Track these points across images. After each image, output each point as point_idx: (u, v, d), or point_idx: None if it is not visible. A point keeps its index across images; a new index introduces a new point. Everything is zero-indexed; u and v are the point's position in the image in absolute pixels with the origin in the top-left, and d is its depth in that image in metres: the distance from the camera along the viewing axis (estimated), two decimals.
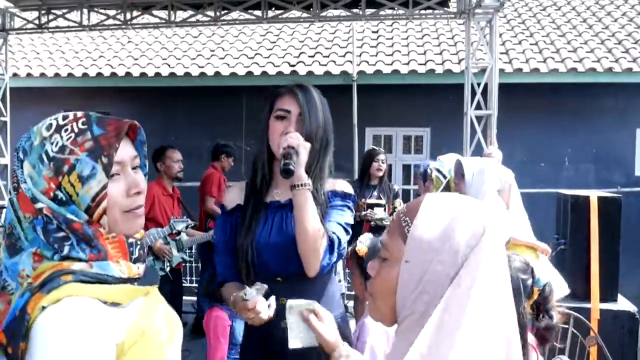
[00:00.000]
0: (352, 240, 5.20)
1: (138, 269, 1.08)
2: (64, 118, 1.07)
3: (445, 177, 3.64)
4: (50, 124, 1.06)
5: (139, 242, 1.11)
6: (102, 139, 1.03)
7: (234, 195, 1.92)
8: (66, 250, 1.00)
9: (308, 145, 1.75)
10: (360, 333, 2.32)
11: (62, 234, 1.00)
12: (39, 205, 1.00)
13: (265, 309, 1.60)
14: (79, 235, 1.00)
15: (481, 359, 0.82)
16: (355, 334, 2.37)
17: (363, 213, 5.03)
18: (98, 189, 1.02)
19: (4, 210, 7.57)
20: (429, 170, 3.84)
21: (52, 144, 1.02)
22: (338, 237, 1.79)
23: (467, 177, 2.94)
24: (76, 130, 1.04)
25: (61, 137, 1.03)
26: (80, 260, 1.00)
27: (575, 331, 3.68)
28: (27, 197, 1.01)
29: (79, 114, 1.08)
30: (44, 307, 0.93)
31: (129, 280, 1.05)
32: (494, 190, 2.97)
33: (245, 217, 1.82)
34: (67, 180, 1.01)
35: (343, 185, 1.94)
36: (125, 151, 1.08)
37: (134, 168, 1.10)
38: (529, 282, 1.58)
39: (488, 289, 0.85)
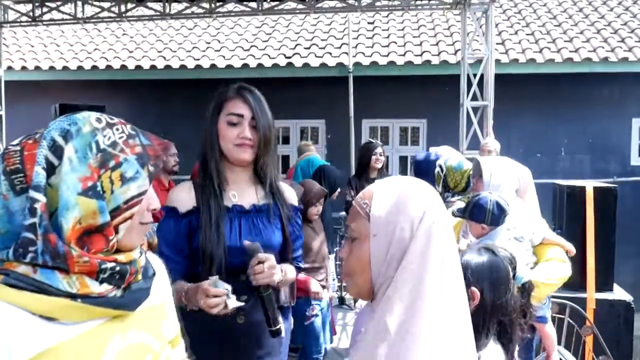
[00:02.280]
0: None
1: (98, 287, 0.98)
2: (111, 118, 1.04)
3: (442, 170, 3.63)
4: (99, 118, 1.02)
5: (122, 267, 1.02)
6: (150, 149, 1.04)
7: (183, 197, 1.89)
8: (29, 257, 0.93)
9: (278, 275, 1.79)
10: (359, 321, 2.34)
11: (31, 235, 0.93)
12: (36, 195, 0.93)
13: (233, 299, 1.67)
14: (49, 247, 0.93)
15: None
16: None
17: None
18: (135, 193, 1.01)
19: None
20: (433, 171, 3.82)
21: (104, 136, 1.00)
22: (300, 261, 2.07)
23: (485, 177, 2.89)
24: (127, 132, 1.03)
25: (114, 133, 1.01)
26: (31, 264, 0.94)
27: (571, 321, 3.70)
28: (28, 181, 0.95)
29: (122, 120, 1.07)
30: None
31: (79, 297, 0.95)
32: (512, 190, 2.95)
33: (209, 220, 1.81)
34: (109, 176, 0.98)
35: (294, 197, 2.05)
36: None
37: None
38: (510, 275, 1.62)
39: (440, 246, 1.02)
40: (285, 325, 1.90)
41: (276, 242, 1.90)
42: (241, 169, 1.91)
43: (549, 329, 2.97)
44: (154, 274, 1.14)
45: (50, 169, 0.95)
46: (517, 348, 1.52)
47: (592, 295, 4.21)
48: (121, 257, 1.01)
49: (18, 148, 0.98)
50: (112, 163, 0.98)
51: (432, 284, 0.98)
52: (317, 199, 3.63)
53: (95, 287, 0.97)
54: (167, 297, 1.22)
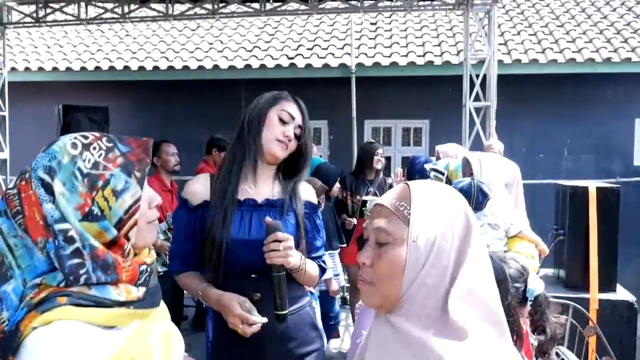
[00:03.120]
0: (348, 238, 5.16)
1: (138, 292, 1.08)
2: (85, 137, 1.08)
3: (442, 173, 3.63)
4: (74, 143, 1.06)
5: (149, 268, 1.12)
6: (131, 155, 1.08)
7: (197, 189, 1.91)
8: (82, 279, 1.00)
9: (294, 259, 1.78)
10: (360, 322, 2.33)
11: (77, 260, 1.00)
12: (64, 226, 0.99)
13: (258, 317, 1.73)
14: (99, 262, 1.01)
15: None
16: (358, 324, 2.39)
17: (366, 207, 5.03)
18: (132, 201, 1.06)
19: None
20: (427, 173, 3.83)
21: (84, 160, 1.04)
22: (324, 262, 2.02)
23: (475, 173, 2.94)
24: (104, 147, 1.07)
25: (92, 154, 1.05)
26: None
27: (574, 321, 3.69)
28: (39, 219, 1.01)
29: (96, 134, 1.10)
30: (34, 328, 0.96)
31: (126, 304, 1.06)
32: (501, 184, 2.97)
33: (218, 210, 1.82)
34: (101, 195, 1.03)
35: (312, 194, 2.04)
36: None
37: None
38: (521, 289, 1.59)
39: (483, 258, 1.01)
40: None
41: (290, 233, 1.86)
42: (266, 166, 1.93)
43: None
44: (158, 272, 1.22)
45: (55, 205, 1.02)
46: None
47: (595, 295, 4.21)
48: (148, 260, 1.11)
49: (15, 191, 1.04)
50: (100, 183, 1.03)
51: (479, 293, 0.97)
52: (318, 194, 3.69)
53: (135, 292, 1.07)
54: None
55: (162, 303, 1.24)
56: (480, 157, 3.04)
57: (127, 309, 1.05)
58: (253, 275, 1.80)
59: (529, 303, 1.62)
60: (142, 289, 1.09)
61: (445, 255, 0.97)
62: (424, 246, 0.97)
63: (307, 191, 2.00)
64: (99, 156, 1.05)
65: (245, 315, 1.71)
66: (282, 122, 1.90)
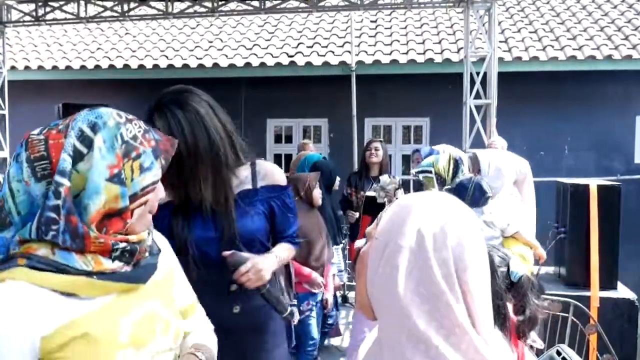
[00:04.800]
0: (354, 233, 5.15)
1: (111, 264, 1.08)
2: (127, 114, 1.15)
3: (430, 172, 3.61)
4: (119, 114, 1.13)
5: (134, 245, 1.12)
6: (161, 144, 1.16)
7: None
8: (50, 235, 1.02)
9: (268, 274, 1.80)
10: (360, 320, 2.35)
11: (53, 215, 1.02)
12: (62, 180, 1.02)
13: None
14: (70, 227, 1.02)
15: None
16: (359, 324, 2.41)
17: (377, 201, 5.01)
18: (150, 181, 1.12)
19: None
20: (419, 177, 3.81)
21: (127, 130, 1.11)
22: (295, 235, 2.04)
23: (484, 170, 2.92)
24: (143, 127, 1.15)
25: (133, 127, 1.12)
26: (50, 244, 1.03)
27: (575, 319, 3.69)
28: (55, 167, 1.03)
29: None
30: None
31: (95, 274, 1.06)
32: (510, 182, 2.96)
33: (178, 214, 1.84)
34: (130, 165, 1.09)
35: (279, 175, 2.00)
36: None
37: None
38: (504, 273, 1.61)
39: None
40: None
41: (256, 228, 1.89)
42: None
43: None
44: (159, 251, 1.25)
45: (78, 157, 1.04)
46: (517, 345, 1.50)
47: (596, 293, 4.21)
48: (133, 237, 1.12)
49: (42, 137, 1.06)
50: (133, 154, 1.09)
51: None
52: (314, 180, 3.73)
53: (108, 264, 1.08)
54: (174, 266, 1.35)
55: (163, 284, 1.23)
56: (488, 154, 3.03)
57: (89, 278, 1.05)
58: (233, 287, 1.83)
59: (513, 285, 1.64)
60: (118, 263, 1.09)
61: (395, 256, 0.94)
62: (381, 246, 0.96)
63: (269, 174, 1.97)
64: (138, 132, 1.13)
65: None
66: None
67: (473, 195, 2.70)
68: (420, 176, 3.66)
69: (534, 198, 3.25)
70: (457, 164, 3.47)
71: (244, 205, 1.88)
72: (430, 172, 3.58)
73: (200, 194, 1.79)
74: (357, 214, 5.13)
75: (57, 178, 1.02)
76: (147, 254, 1.18)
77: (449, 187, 3.15)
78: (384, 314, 0.97)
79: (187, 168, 1.78)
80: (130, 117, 1.15)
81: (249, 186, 1.91)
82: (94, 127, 1.07)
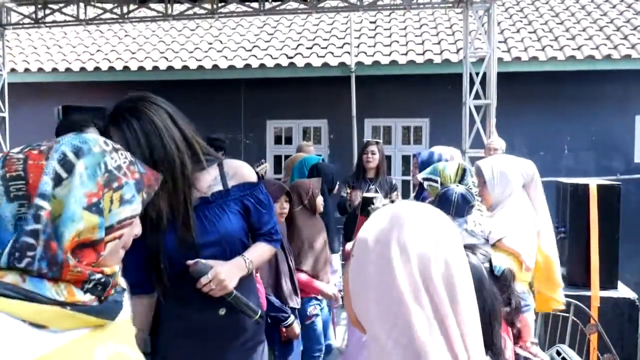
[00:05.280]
0: (350, 236, 5.15)
1: (83, 297, 1.02)
2: (114, 143, 1.11)
3: (436, 181, 3.59)
4: (106, 142, 1.09)
5: (107, 279, 1.07)
6: (145, 178, 1.12)
7: None
8: (24, 262, 0.95)
9: (232, 282, 1.82)
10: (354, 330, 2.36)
11: (31, 240, 0.96)
12: (43, 203, 0.97)
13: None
14: (48, 254, 0.96)
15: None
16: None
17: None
18: (129, 215, 1.07)
19: None
20: (423, 185, 3.79)
21: (111, 159, 1.07)
22: (275, 231, 2.06)
23: (488, 181, 2.87)
24: (129, 158, 1.11)
25: (119, 157, 1.08)
26: (20, 271, 0.96)
27: (575, 319, 3.70)
28: (36, 187, 0.98)
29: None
30: None
31: (67, 305, 0.99)
32: (519, 187, 2.92)
33: (151, 221, 1.81)
34: (110, 196, 1.04)
35: (248, 173, 1.99)
36: None
37: None
38: (487, 269, 1.65)
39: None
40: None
41: (234, 228, 1.89)
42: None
43: (528, 317, 2.92)
44: (124, 290, 1.18)
45: (57, 181, 0.99)
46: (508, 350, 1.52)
47: (596, 293, 4.21)
48: (107, 270, 1.06)
49: (21, 156, 1.01)
50: (115, 184, 1.05)
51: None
52: (317, 187, 3.69)
53: (80, 296, 1.01)
54: (130, 314, 1.26)
55: (129, 326, 1.18)
56: (489, 161, 2.98)
57: (62, 309, 0.99)
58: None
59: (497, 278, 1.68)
60: (90, 296, 1.03)
61: (367, 274, 0.97)
62: (357, 263, 1.00)
63: (238, 173, 1.97)
64: (123, 162, 1.08)
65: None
66: None
67: (456, 206, 2.70)
68: (425, 184, 3.64)
69: (544, 199, 3.15)
70: (464, 174, 3.44)
71: (218, 206, 1.88)
72: (436, 181, 3.56)
73: (157, 206, 1.75)
74: (359, 193, 5.03)
75: (38, 201, 0.97)
76: (114, 290, 1.11)
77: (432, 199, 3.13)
78: (367, 326, 0.99)
79: None
80: (117, 146, 1.11)
81: (220, 187, 1.90)
82: (77, 152, 1.03)
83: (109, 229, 1.04)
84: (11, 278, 0.96)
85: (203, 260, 1.80)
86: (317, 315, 3.68)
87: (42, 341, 0.97)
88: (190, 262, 1.78)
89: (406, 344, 0.91)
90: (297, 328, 3.07)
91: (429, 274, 0.94)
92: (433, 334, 0.92)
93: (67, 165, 1.00)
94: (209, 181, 1.89)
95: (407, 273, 0.94)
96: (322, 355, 3.84)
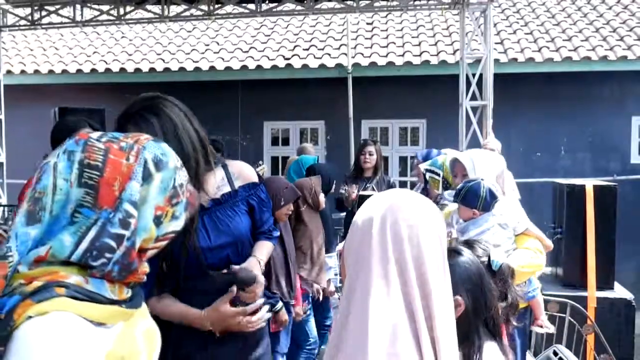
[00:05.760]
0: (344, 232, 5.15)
1: (127, 293, 1.09)
2: (179, 160, 1.16)
3: (438, 174, 3.62)
4: (177, 157, 1.14)
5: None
6: (191, 196, 1.16)
7: None
8: (100, 262, 0.99)
9: (261, 288, 1.87)
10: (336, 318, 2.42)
11: (112, 243, 1.00)
12: (132, 211, 1.01)
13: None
14: (126, 261, 1.02)
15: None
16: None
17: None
18: (172, 230, 1.11)
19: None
20: (424, 175, 3.82)
21: (179, 176, 1.12)
22: (273, 228, 2.11)
23: (470, 174, 2.90)
24: (186, 177, 1.15)
25: (184, 175, 1.14)
26: (81, 269, 0.99)
27: (572, 320, 3.70)
28: (117, 189, 1.00)
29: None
30: (30, 317, 0.93)
31: (117, 302, 1.05)
32: (493, 177, 2.95)
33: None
34: (167, 210, 1.08)
35: (250, 173, 2.03)
36: None
37: None
38: (485, 263, 1.67)
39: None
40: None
41: (245, 228, 1.93)
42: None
43: (538, 298, 2.99)
44: None
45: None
46: (505, 333, 1.55)
47: (593, 293, 4.22)
48: (147, 270, 1.13)
49: (103, 146, 1.04)
50: (174, 200, 1.09)
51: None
52: (318, 185, 3.77)
53: (125, 294, 1.08)
54: None
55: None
56: (471, 156, 3.02)
57: (119, 307, 1.05)
58: (211, 273, 1.85)
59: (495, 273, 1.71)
60: (130, 291, 1.10)
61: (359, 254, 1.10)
62: (349, 244, 1.15)
63: (243, 173, 2.00)
64: (185, 180, 1.13)
65: (242, 309, 1.77)
66: None
67: (485, 200, 2.68)
68: (427, 175, 3.67)
69: (517, 191, 3.25)
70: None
71: (230, 207, 1.90)
72: (439, 174, 3.58)
73: None
74: (355, 190, 5.02)
75: (128, 207, 1.01)
76: None
77: (453, 191, 3.13)
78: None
79: None
80: (181, 162, 1.15)
81: (228, 188, 1.93)
82: (158, 164, 1.07)
83: (155, 240, 1.08)
84: (75, 279, 0.99)
85: (244, 266, 1.82)
86: (311, 309, 3.75)
87: (105, 338, 1.02)
88: (235, 267, 1.80)
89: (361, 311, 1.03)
90: (285, 314, 3.13)
91: (403, 253, 1.05)
92: (396, 311, 1.02)
93: (146, 174, 1.04)
94: (215, 182, 1.91)
95: (382, 249, 1.06)
96: (318, 349, 3.89)
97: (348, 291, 1.09)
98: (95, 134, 1.07)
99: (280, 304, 3.10)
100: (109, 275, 1.01)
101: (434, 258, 1.06)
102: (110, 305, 1.03)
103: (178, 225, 1.11)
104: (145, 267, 1.13)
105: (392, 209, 1.09)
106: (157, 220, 1.06)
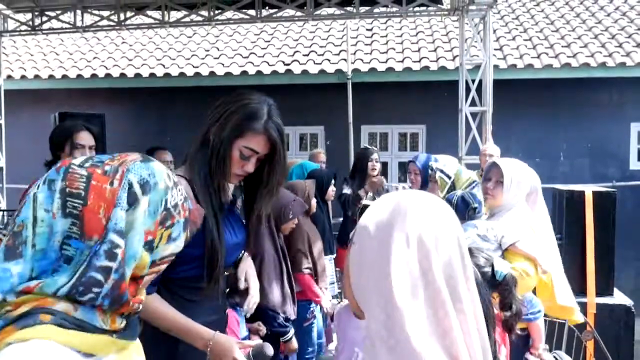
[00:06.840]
0: (342, 237, 5.16)
1: (121, 323, 1.02)
2: (174, 176, 1.08)
3: (449, 177, 3.59)
4: (168, 175, 1.05)
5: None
6: (192, 215, 1.09)
7: None
8: (87, 297, 0.93)
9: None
10: (339, 322, 2.43)
11: (99, 277, 0.93)
12: (118, 241, 0.94)
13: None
14: (115, 293, 0.95)
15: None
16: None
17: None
18: (170, 253, 1.05)
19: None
20: (430, 171, 3.75)
21: (172, 196, 1.03)
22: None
23: (506, 182, 2.82)
24: (183, 195, 1.07)
25: (177, 195, 1.05)
26: (71, 299, 0.94)
27: (571, 326, 3.69)
28: (102, 217, 0.95)
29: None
30: (9, 343, 0.89)
31: (108, 332, 0.99)
32: (525, 195, 2.90)
33: (214, 220, 1.81)
34: (161, 233, 1.01)
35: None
36: None
37: None
38: (489, 273, 1.66)
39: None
40: None
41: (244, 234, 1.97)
42: None
43: (538, 323, 2.89)
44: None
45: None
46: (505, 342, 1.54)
47: (592, 300, 4.21)
48: (142, 298, 1.06)
49: (84, 173, 0.97)
50: (168, 222, 1.02)
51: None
52: (312, 188, 3.80)
53: (119, 323, 1.01)
54: None
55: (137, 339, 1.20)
56: (512, 164, 2.91)
57: (109, 337, 0.99)
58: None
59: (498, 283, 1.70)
60: (124, 321, 1.04)
61: (370, 259, 0.97)
62: (358, 249, 1.00)
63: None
64: (180, 200, 1.05)
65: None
66: (244, 157, 1.83)
67: (456, 209, 2.70)
68: (437, 174, 3.62)
69: (545, 208, 3.10)
70: (471, 186, 3.45)
71: (237, 208, 1.98)
72: (450, 177, 3.57)
73: (259, 203, 1.88)
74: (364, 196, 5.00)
75: (113, 237, 0.94)
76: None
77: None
78: (366, 314, 0.97)
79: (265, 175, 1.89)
80: (176, 180, 1.07)
81: (230, 195, 1.96)
82: (144, 186, 0.99)
83: (151, 265, 1.02)
84: (63, 306, 0.94)
85: (259, 342, 1.80)
86: (314, 317, 3.71)
87: None
88: (251, 343, 1.77)
89: (396, 339, 0.90)
90: (295, 343, 3.08)
91: (429, 265, 0.92)
92: (426, 329, 0.90)
93: (131, 198, 0.97)
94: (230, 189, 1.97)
95: (405, 261, 0.92)
96: (315, 357, 3.87)
97: (385, 317, 0.92)
98: (79, 159, 1.01)
99: (290, 334, 3.03)
100: (100, 307, 0.96)
101: (457, 265, 0.96)
102: (100, 335, 0.97)
103: (177, 247, 1.05)
104: (142, 295, 1.06)
105: (410, 216, 0.97)
106: (149, 246, 0.99)
